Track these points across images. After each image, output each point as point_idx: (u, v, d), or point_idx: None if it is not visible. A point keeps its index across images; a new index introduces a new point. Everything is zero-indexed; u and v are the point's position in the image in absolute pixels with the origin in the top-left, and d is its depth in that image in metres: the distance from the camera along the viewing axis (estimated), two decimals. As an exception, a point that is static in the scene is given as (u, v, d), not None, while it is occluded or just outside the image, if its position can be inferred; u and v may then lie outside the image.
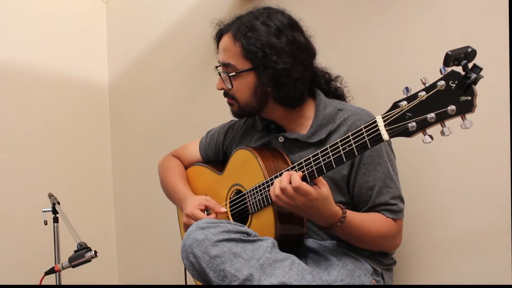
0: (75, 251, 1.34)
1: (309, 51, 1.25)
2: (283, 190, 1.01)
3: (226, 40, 1.24)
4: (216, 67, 1.31)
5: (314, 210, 1.02)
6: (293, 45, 1.19)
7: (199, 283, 1.30)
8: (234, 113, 1.31)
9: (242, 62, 1.21)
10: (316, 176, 1.02)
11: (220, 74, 1.28)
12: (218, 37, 1.30)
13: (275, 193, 1.03)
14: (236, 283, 0.95)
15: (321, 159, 1.01)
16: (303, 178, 1.03)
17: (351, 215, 1.09)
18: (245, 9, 1.35)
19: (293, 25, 1.22)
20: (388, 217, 1.15)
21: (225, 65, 1.24)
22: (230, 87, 1.24)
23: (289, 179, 1.02)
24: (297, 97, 1.23)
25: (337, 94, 1.34)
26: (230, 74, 1.22)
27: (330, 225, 1.07)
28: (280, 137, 1.26)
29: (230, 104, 1.30)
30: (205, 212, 1.25)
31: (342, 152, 0.97)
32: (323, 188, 1.02)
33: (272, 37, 1.18)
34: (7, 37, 2.41)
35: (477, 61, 0.77)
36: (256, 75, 1.21)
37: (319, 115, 1.23)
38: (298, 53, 1.20)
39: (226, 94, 1.29)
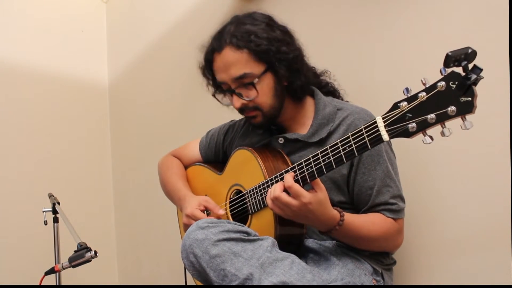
0: (75, 251, 1.35)
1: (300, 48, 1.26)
2: (276, 198, 1.01)
3: (227, 54, 1.18)
4: (217, 91, 1.27)
5: (310, 214, 1.02)
6: (287, 35, 1.22)
7: (199, 283, 1.30)
8: (258, 125, 1.25)
9: (256, 66, 1.17)
10: (316, 177, 1.02)
11: (232, 93, 1.21)
12: (210, 59, 1.24)
13: (269, 204, 1.05)
14: (236, 283, 0.95)
15: (321, 159, 1.01)
16: (303, 178, 1.03)
17: (350, 217, 1.09)
18: (245, 9, 1.35)
19: (271, 20, 1.23)
20: (388, 217, 1.15)
21: (240, 78, 1.17)
22: (255, 95, 1.18)
23: (282, 188, 1.02)
24: (306, 86, 1.25)
25: (329, 90, 1.35)
26: (254, 82, 1.17)
27: (328, 229, 1.07)
28: (280, 139, 1.26)
29: (252, 117, 1.23)
30: (205, 212, 1.25)
31: (342, 152, 0.97)
32: (319, 192, 1.02)
33: (270, 32, 1.18)
34: (7, 36, 2.41)
35: (477, 61, 0.77)
36: (272, 74, 1.19)
37: (319, 115, 1.23)
38: (294, 40, 1.23)
39: (244, 108, 1.21)
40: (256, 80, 1.17)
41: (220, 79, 1.22)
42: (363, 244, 1.15)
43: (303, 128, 1.26)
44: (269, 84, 1.19)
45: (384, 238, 1.15)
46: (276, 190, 1.02)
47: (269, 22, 1.21)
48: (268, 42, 1.16)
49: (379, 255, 1.19)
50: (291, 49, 1.19)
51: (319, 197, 1.01)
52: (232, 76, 1.18)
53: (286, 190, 1.02)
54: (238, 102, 1.20)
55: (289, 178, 1.01)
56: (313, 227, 1.13)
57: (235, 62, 1.17)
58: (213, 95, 1.30)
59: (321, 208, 1.02)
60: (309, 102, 1.29)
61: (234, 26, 1.20)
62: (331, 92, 1.35)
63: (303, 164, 1.04)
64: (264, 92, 1.19)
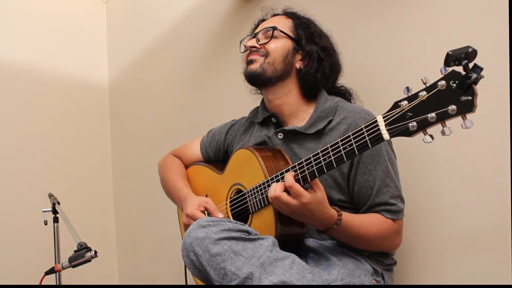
0: (75, 251, 1.34)
1: (339, 64, 1.36)
2: (276, 198, 1.03)
3: (276, 17, 1.37)
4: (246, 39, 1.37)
5: (309, 213, 1.03)
6: (334, 50, 1.34)
7: (199, 282, 1.30)
8: (251, 72, 1.29)
9: (288, 30, 1.31)
10: (317, 176, 1.02)
11: (255, 35, 1.32)
12: (264, 20, 1.39)
13: (270, 201, 1.07)
14: (236, 282, 0.95)
15: (321, 158, 1.01)
16: (303, 177, 1.03)
17: (348, 217, 1.09)
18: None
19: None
20: (387, 218, 1.15)
21: (269, 28, 1.30)
22: (267, 40, 1.28)
23: (282, 188, 1.03)
24: (317, 87, 1.29)
25: (339, 92, 1.37)
26: (276, 29, 1.29)
27: (326, 228, 1.08)
28: (279, 134, 1.28)
29: (251, 60, 1.29)
30: (205, 213, 1.25)
31: (342, 151, 0.97)
32: (318, 192, 1.03)
33: (320, 29, 1.34)
34: (7, 37, 2.41)
35: (477, 61, 0.77)
36: (294, 46, 1.29)
37: (319, 108, 1.24)
38: (335, 55, 1.33)
39: (252, 51, 1.30)
40: (277, 30, 1.29)
41: (255, 31, 1.35)
42: (361, 244, 1.15)
43: (303, 123, 1.27)
44: (285, 46, 1.29)
45: (382, 238, 1.15)
46: (276, 189, 1.03)
47: (328, 36, 1.36)
48: (311, 27, 1.32)
49: (379, 255, 1.20)
50: (326, 45, 1.30)
51: (318, 196, 1.02)
52: (265, 25, 1.32)
53: (286, 189, 1.03)
54: (251, 41, 1.32)
55: (289, 177, 1.02)
56: (311, 226, 1.13)
57: (277, 20, 1.34)
58: (240, 41, 1.40)
59: (320, 207, 1.03)
60: (314, 102, 1.29)
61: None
62: (341, 94, 1.36)
63: (304, 163, 1.04)
64: (276, 46, 1.28)
